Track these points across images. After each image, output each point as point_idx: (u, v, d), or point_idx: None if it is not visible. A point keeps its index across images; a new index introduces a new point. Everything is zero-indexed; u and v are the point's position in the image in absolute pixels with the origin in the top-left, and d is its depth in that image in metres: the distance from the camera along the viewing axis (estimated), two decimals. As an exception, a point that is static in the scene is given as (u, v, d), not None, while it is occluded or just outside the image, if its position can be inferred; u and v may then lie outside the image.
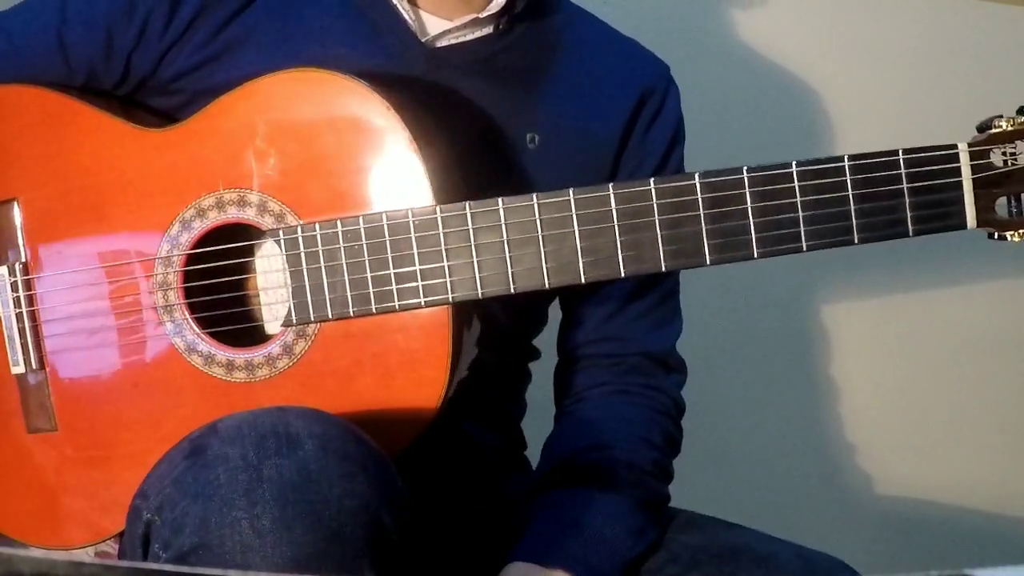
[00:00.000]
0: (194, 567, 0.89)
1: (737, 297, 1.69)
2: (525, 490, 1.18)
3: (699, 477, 1.54)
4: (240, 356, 1.04)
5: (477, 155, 1.08)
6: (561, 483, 1.13)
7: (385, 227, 1.00)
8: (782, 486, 1.76)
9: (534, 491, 1.14)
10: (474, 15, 1.10)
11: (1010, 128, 0.96)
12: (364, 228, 1.00)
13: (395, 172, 1.00)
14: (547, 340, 1.24)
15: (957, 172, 0.95)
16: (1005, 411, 1.81)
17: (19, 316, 1.07)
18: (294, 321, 1.02)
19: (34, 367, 1.07)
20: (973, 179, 0.95)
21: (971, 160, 0.95)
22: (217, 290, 1.05)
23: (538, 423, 1.26)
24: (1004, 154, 0.96)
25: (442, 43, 1.11)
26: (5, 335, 1.08)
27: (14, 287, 1.07)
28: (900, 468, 1.79)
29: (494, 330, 1.12)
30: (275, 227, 1.02)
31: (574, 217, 0.98)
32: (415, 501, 0.97)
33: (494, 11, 1.10)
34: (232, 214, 1.03)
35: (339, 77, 1.01)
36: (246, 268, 1.07)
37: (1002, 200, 0.98)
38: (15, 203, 1.07)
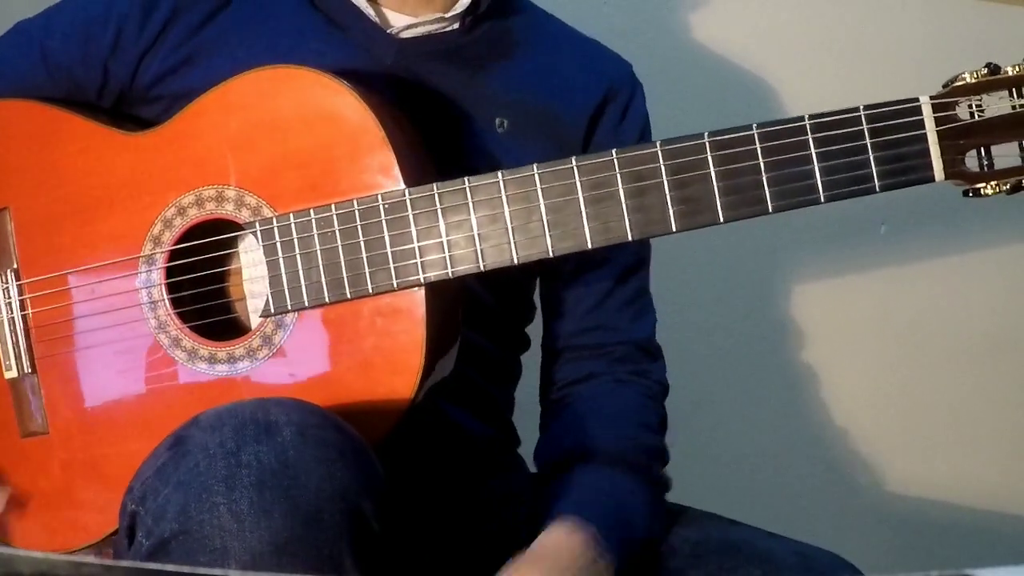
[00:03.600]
0: (195, 567, 0.90)
1: (735, 293, 1.68)
2: (519, 488, 1.17)
3: (698, 476, 1.52)
4: (222, 349, 1.05)
5: (448, 140, 1.11)
6: (573, 467, 1.11)
7: (356, 212, 1.02)
8: (782, 486, 1.73)
9: (545, 479, 1.13)
10: (439, 14, 1.14)
11: (974, 81, 0.96)
12: (336, 215, 1.02)
13: (367, 162, 1.02)
14: (535, 337, 1.24)
15: (920, 125, 0.95)
16: (1006, 410, 1.78)
17: (11, 321, 1.10)
18: (272, 311, 1.04)
19: (27, 371, 1.10)
20: (938, 131, 0.94)
21: (934, 112, 0.95)
22: (199, 285, 1.07)
23: (534, 421, 1.25)
24: (970, 107, 0.95)
25: (408, 34, 1.14)
26: (-2, 341, 1.11)
27: (6, 293, 1.10)
28: (901, 467, 1.76)
29: (479, 311, 1.12)
30: (251, 220, 1.05)
31: (539, 192, 0.99)
32: (404, 491, 0.97)
33: (459, 11, 1.14)
34: (211, 210, 1.06)
35: (309, 72, 1.04)
36: (229, 263, 1.09)
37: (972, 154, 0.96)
38: (7, 212, 1.11)
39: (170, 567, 0.68)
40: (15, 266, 1.11)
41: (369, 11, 1.13)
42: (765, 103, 1.69)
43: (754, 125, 0.96)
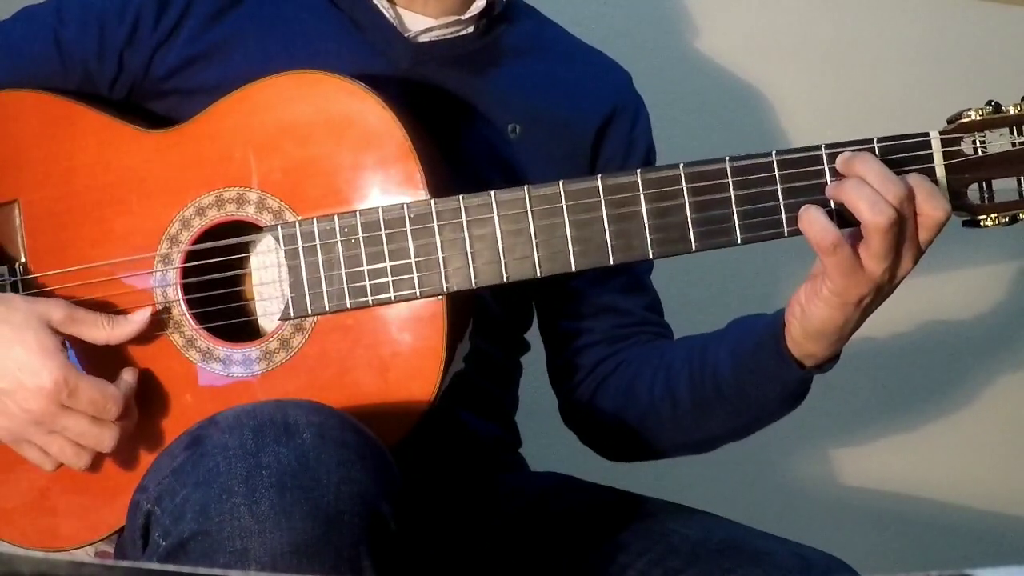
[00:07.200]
0: (195, 567, 0.90)
1: (734, 294, 1.70)
2: (522, 487, 1.20)
3: (697, 476, 1.55)
4: (238, 351, 1.06)
5: (462, 145, 1.13)
6: (674, 346, 1.17)
7: (381, 221, 1.03)
8: (781, 485, 1.75)
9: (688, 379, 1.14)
10: (455, 16, 1.16)
11: (979, 118, 1.01)
12: (361, 222, 1.03)
13: (391, 170, 1.04)
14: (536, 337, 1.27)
15: (930, 159, 1.00)
16: (1006, 410, 1.80)
17: (19, 316, 1.09)
18: (291, 315, 1.05)
19: (33, 367, 1.09)
20: (945, 165, 1.00)
21: (942, 147, 1.00)
22: (215, 287, 1.07)
23: (535, 422, 1.28)
24: (974, 143, 1.01)
25: (425, 38, 1.16)
26: (5, 335, 1.09)
27: (15, 287, 1.09)
28: (900, 467, 1.78)
29: (487, 320, 1.15)
30: (273, 223, 1.05)
31: (564, 208, 1.02)
32: (411, 491, 0.98)
33: (474, 13, 1.16)
34: (231, 212, 1.06)
35: (335, 78, 1.05)
36: (246, 266, 1.09)
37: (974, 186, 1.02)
38: (15, 205, 1.10)
39: (171, 568, 0.69)
40: (23, 260, 1.09)
41: (388, 11, 1.15)
42: (765, 103, 1.70)
43: (773, 152, 1.00)
